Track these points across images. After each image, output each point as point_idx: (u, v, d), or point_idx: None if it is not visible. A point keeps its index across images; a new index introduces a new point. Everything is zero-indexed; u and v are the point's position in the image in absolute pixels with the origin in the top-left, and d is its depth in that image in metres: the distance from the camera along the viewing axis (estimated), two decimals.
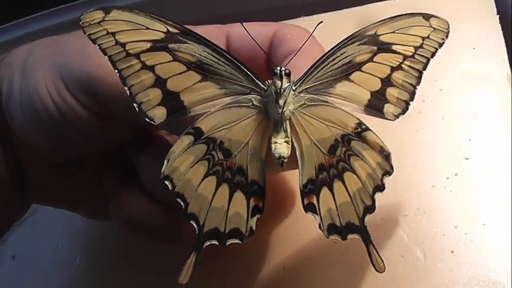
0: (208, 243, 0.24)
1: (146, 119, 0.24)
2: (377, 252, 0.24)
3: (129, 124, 0.28)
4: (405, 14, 0.25)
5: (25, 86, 0.26)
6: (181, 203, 0.24)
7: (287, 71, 0.24)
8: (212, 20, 0.30)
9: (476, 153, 0.30)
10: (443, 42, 0.25)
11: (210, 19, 0.30)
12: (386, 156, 0.24)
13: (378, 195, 0.24)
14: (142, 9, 0.24)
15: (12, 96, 0.27)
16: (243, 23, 0.26)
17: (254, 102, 0.24)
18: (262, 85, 0.24)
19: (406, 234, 0.28)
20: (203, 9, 0.41)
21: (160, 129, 0.30)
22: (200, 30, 0.25)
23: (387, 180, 0.26)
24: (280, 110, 0.24)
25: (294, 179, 0.31)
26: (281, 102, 0.24)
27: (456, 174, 0.30)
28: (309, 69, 0.24)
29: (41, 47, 0.28)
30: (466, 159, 0.30)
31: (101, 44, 0.23)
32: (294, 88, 0.24)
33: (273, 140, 0.24)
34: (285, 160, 0.24)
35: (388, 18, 0.25)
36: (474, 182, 0.29)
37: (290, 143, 0.24)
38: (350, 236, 0.24)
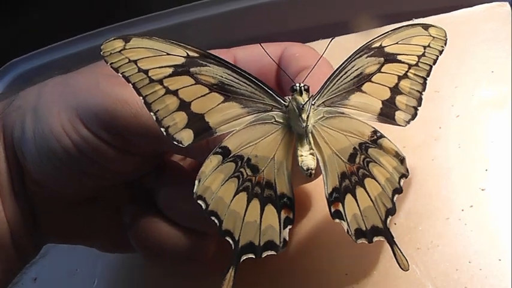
0: (245, 257, 0.24)
1: (174, 142, 0.24)
2: (401, 251, 0.25)
3: (150, 155, 0.28)
4: (406, 26, 0.27)
5: (39, 127, 0.26)
6: (216, 221, 0.24)
7: (306, 86, 0.25)
8: (224, 45, 0.30)
9: (492, 184, 0.29)
10: (443, 50, 0.27)
11: (222, 44, 0.30)
12: (401, 160, 0.25)
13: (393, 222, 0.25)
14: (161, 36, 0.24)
15: (26, 139, 0.26)
16: (251, 45, 0.27)
17: (276, 119, 0.25)
18: (282, 102, 0.25)
19: (418, 268, 0.28)
20: (214, 35, 0.41)
21: (178, 153, 0.30)
22: None
23: (402, 211, 0.27)
24: (304, 124, 0.25)
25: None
26: (304, 116, 0.25)
27: (471, 206, 0.29)
28: (325, 83, 0.25)
29: (51, 87, 0.28)
30: (482, 190, 0.29)
31: (124, 72, 0.23)
32: (312, 102, 0.25)
33: (299, 153, 0.25)
34: (313, 171, 0.25)
35: (391, 30, 0.26)
36: (490, 214, 0.28)
37: (315, 155, 0.25)
38: (375, 239, 0.25)
